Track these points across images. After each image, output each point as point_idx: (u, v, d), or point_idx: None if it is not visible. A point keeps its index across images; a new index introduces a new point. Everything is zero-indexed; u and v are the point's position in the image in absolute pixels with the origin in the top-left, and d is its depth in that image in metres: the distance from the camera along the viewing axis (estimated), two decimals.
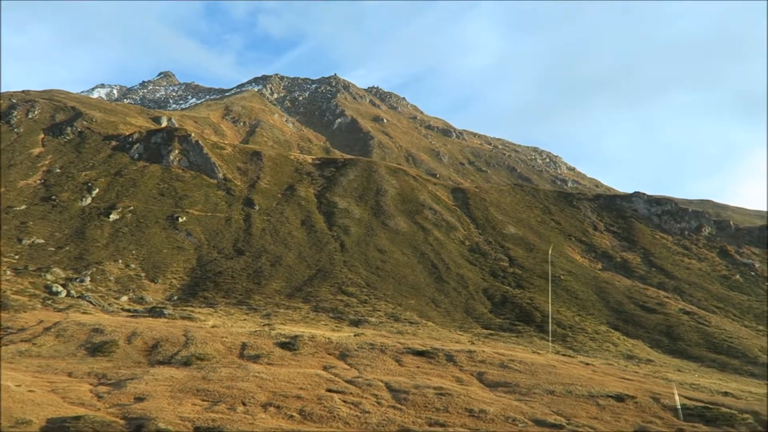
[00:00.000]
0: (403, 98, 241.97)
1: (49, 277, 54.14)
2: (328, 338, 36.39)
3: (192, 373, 26.55)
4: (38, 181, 77.94)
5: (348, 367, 30.24)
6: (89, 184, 77.26)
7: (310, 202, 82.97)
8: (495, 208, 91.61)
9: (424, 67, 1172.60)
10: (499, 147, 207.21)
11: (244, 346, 33.29)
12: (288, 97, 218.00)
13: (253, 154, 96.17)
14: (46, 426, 18.27)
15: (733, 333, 58.92)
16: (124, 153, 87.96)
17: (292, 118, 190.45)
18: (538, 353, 41.37)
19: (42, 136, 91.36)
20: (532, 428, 21.51)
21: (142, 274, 60.06)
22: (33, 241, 62.38)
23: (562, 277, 70.97)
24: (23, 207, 70.13)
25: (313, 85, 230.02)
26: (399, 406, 23.17)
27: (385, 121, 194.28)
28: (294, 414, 21.24)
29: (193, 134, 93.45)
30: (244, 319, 47.42)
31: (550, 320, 54.49)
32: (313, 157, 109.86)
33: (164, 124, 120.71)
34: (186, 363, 29.20)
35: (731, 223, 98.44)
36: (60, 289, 50.95)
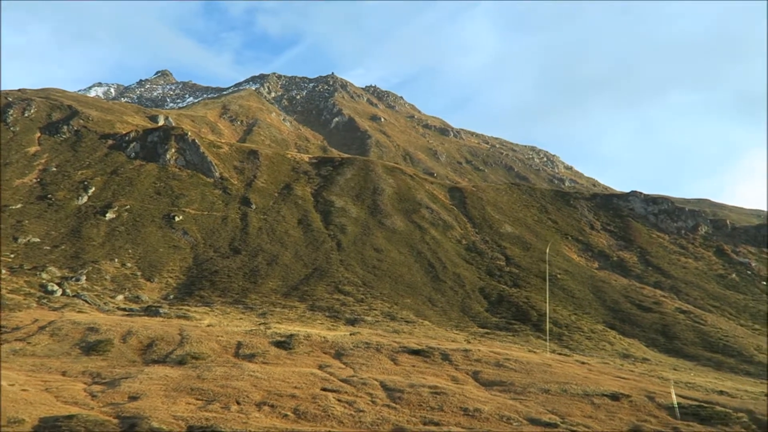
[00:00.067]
0: (401, 97, 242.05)
1: (44, 275, 53.99)
2: (324, 337, 36.35)
3: (187, 372, 26.48)
4: (34, 180, 77.75)
5: (343, 366, 30.20)
6: (85, 183, 77.08)
7: (306, 201, 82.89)
8: (492, 207, 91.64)
9: (423, 67, 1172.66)
10: (497, 146, 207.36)
11: (239, 345, 33.23)
12: (285, 96, 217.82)
13: (250, 153, 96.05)
14: (38, 425, 18.19)
15: (729, 332, 59.03)
16: (121, 152, 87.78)
17: (290, 117, 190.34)
18: (534, 352, 41.39)
19: (38, 134, 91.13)
20: (526, 427, 21.49)
21: (138, 273, 59.94)
22: (29, 240, 62.21)
23: (558, 276, 71.02)
24: (19, 206, 69.94)
25: (311, 84, 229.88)
26: (394, 405, 23.13)
27: (382, 120, 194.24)
28: (288, 413, 21.19)
29: (189, 133, 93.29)
30: (240, 318, 47.35)
31: (547, 319, 54.49)
32: (310, 156, 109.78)
33: (161, 122, 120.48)
34: (181, 362, 29.13)
35: (728, 222, 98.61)
36: (55, 288, 50.80)
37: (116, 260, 61.17)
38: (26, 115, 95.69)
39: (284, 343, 33.84)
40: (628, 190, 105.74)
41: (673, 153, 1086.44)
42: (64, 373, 26.76)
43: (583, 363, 37.89)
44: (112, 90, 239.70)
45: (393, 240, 74.14)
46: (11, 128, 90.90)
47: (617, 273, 77.62)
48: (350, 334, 39.62)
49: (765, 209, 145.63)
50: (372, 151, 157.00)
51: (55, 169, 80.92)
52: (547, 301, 59.76)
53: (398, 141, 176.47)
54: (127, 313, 46.27)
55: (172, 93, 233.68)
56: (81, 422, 18.12)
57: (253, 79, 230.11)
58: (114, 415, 19.65)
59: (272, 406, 21.81)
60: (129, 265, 61.10)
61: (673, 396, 26.27)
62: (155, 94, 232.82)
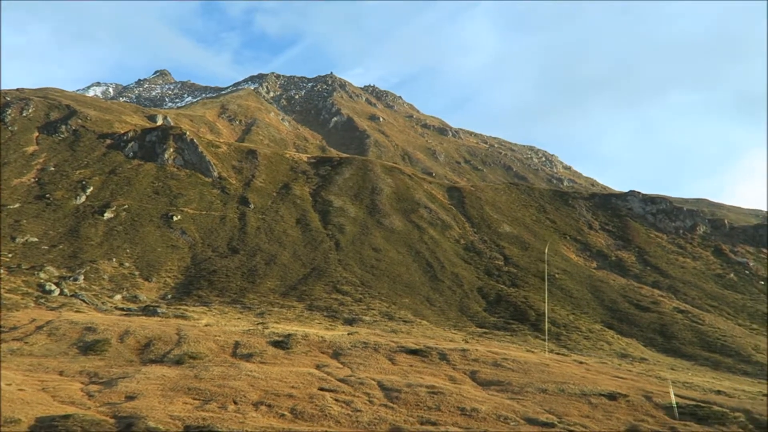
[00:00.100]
0: (400, 97, 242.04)
1: (42, 275, 53.92)
2: (322, 337, 36.34)
3: (184, 372, 26.45)
4: (32, 180, 77.64)
5: (341, 366, 30.19)
6: (83, 183, 76.99)
7: (305, 201, 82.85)
8: (490, 207, 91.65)
9: (422, 67, 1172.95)
10: (496, 146, 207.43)
11: (236, 344, 33.20)
12: (284, 96, 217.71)
13: (248, 153, 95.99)
14: (34, 425, 18.15)
15: (726, 331, 59.08)
16: (119, 151, 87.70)
17: (288, 117, 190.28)
18: (532, 352, 41.40)
19: (36, 134, 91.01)
20: (523, 427, 21.49)
21: (136, 273, 59.88)
22: (27, 240, 62.14)
23: (556, 275, 71.05)
24: (17, 205, 69.84)
25: (310, 84, 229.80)
26: (391, 404, 23.12)
27: (381, 119, 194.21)
28: (285, 413, 21.17)
29: (188, 132, 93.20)
30: (238, 318, 47.31)
31: (545, 319, 54.49)
32: (309, 155, 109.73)
33: (159, 122, 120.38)
34: (178, 362, 29.10)
35: (726, 221, 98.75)
36: (53, 287, 50.74)
37: (114, 260, 61.10)
38: (24, 114, 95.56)
39: (282, 343, 33.83)
40: (627, 190, 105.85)
41: (672, 153, 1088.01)
42: (61, 373, 26.73)
43: (580, 363, 37.91)
44: (111, 90, 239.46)
45: (391, 240, 74.13)
46: (9, 128, 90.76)
47: (615, 272, 77.66)
48: (348, 334, 39.60)
49: (764, 209, 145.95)
50: (370, 150, 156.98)
51: (53, 168, 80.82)
52: (546, 300, 59.77)
53: (397, 141, 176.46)
54: (124, 312, 46.22)
55: (170, 93, 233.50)
56: (77, 422, 18.09)
57: (251, 79, 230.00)
58: (111, 415, 19.62)
59: (269, 405, 21.79)
60: (127, 264, 61.04)
61: (672, 396, 26.26)
62: (154, 93, 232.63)
